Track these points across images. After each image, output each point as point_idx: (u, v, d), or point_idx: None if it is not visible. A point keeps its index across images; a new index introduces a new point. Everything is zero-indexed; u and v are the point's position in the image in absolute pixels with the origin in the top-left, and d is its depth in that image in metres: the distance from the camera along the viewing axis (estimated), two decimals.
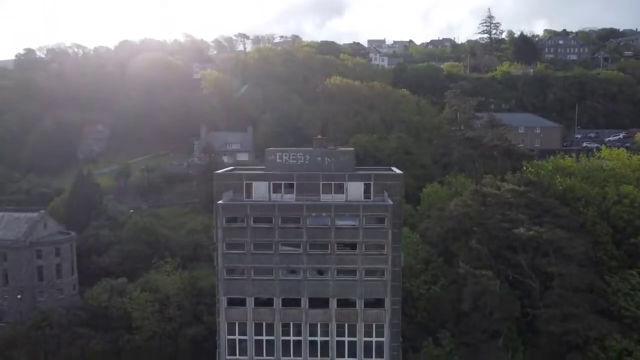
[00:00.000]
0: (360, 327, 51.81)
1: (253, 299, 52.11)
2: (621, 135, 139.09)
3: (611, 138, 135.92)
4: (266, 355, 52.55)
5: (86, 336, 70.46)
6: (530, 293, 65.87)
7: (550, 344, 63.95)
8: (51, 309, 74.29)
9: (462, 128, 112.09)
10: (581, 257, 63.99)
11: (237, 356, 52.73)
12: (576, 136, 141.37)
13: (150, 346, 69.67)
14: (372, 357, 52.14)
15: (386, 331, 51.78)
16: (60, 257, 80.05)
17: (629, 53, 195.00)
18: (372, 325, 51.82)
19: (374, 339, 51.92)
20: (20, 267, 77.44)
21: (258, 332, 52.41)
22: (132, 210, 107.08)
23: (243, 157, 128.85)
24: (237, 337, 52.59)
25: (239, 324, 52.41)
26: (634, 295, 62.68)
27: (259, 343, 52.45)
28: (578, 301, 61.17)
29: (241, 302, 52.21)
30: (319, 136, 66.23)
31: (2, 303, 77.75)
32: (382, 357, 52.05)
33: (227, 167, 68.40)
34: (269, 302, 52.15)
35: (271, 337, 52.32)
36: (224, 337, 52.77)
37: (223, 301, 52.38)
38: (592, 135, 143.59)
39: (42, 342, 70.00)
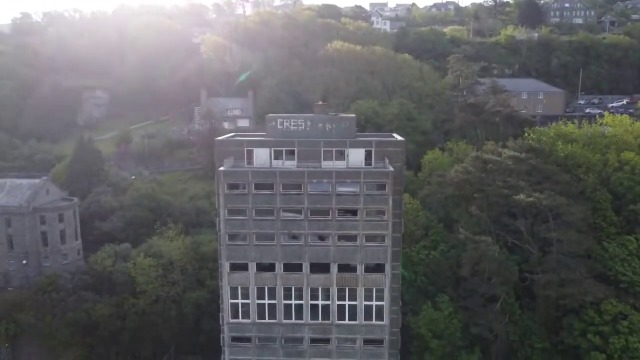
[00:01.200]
0: (360, 292, 52.72)
1: (255, 264, 52.84)
2: (625, 102, 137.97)
3: (614, 104, 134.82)
4: (268, 319, 53.68)
5: (92, 300, 71.79)
6: (529, 258, 66.61)
7: (547, 308, 65.13)
8: (56, 273, 75.46)
9: (465, 94, 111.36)
10: (580, 223, 64.40)
11: (240, 319, 53.89)
12: (579, 102, 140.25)
13: (155, 310, 71.08)
14: (372, 320, 53.28)
15: (386, 295, 52.71)
16: (64, 223, 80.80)
17: (636, 17, 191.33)
18: (372, 289, 52.72)
19: (374, 303, 52.93)
20: (24, 232, 78.26)
21: (260, 296, 53.39)
22: (133, 177, 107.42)
23: (244, 123, 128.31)
24: (239, 301, 53.61)
25: (241, 288, 53.34)
26: (631, 261, 63.28)
27: (261, 307, 53.51)
28: (575, 266, 61.89)
29: (243, 267, 52.99)
30: (320, 102, 65.77)
31: (8, 268, 78.93)
32: (382, 321, 53.17)
33: (227, 133, 68.20)
34: (270, 267, 52.93)
35: (273, 301, 53.32)
36: (227, 301, 53.78)
37: (226, 266, 53.14)
38: (596, 101, 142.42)
39: (48, 305, 71.41)
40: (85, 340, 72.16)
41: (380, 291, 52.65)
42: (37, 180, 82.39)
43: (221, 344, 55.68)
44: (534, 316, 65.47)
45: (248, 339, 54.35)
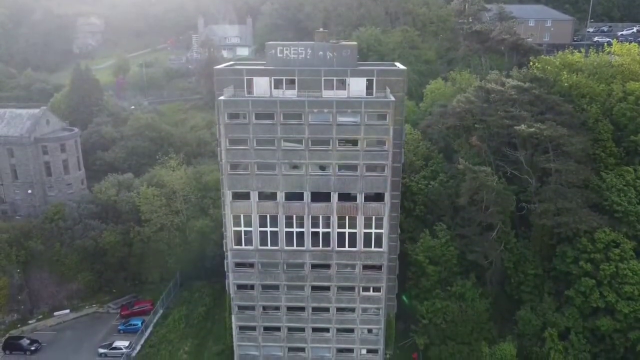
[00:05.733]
0: (360, 220, 53.88)
1: (257, 192, 53.63)
2: (635, 29, 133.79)
3: (624, 32, 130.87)
4: (270, 245, 55.29)
5: (98, 228, 73.60)
6: (527, 189, 67.39)
7: (541, 237, 66.70)
8: (62, 202, 76.83)
9: (470, 21, 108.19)
10: (580, 154, 64.55)
11: (243, 246, 55.52)
12: (588, 30, 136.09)
13: (160, 237, 73.02)
14: (371, 247, 54.86)
15: (385, 223, 53.91)
16: (66, 153, 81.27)
17: None
18: (371, 218, 53.83)
19: (373, 231, 54.26)
20: (27, 162, 78.90)
21: (262, 224, 54.66)
22: (133, 107, 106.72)
23: (243, 51, 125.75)
24: (242, 228, 54.97)
25: (244, 216, 54.51)
26: (627, 191, 63.85)
27: (263, 234, 54.93)
28: (572, 196, 62.70)
29: (245, 196, 53.86)
30: (321, 29, 63.96)
31: (14, 197, 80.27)
32: (381, 247, 54.76)
33: (226, 62, 66.98)
34: (272, 196, 53.78)
35: (275, 229, 54.67)
36: (230, 228, 55.16)
37: (228, 195, 54.01)
38: (605, 29, 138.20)
39: (56, 233, 73.32)
40: (94, 266, 74.85)
41: (379, 219, 53.81)
42: (36, 110, 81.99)
43: (225, 270, 57.78)
44: (528, 244, 67.17)
45: (251, 265, 56.26)
